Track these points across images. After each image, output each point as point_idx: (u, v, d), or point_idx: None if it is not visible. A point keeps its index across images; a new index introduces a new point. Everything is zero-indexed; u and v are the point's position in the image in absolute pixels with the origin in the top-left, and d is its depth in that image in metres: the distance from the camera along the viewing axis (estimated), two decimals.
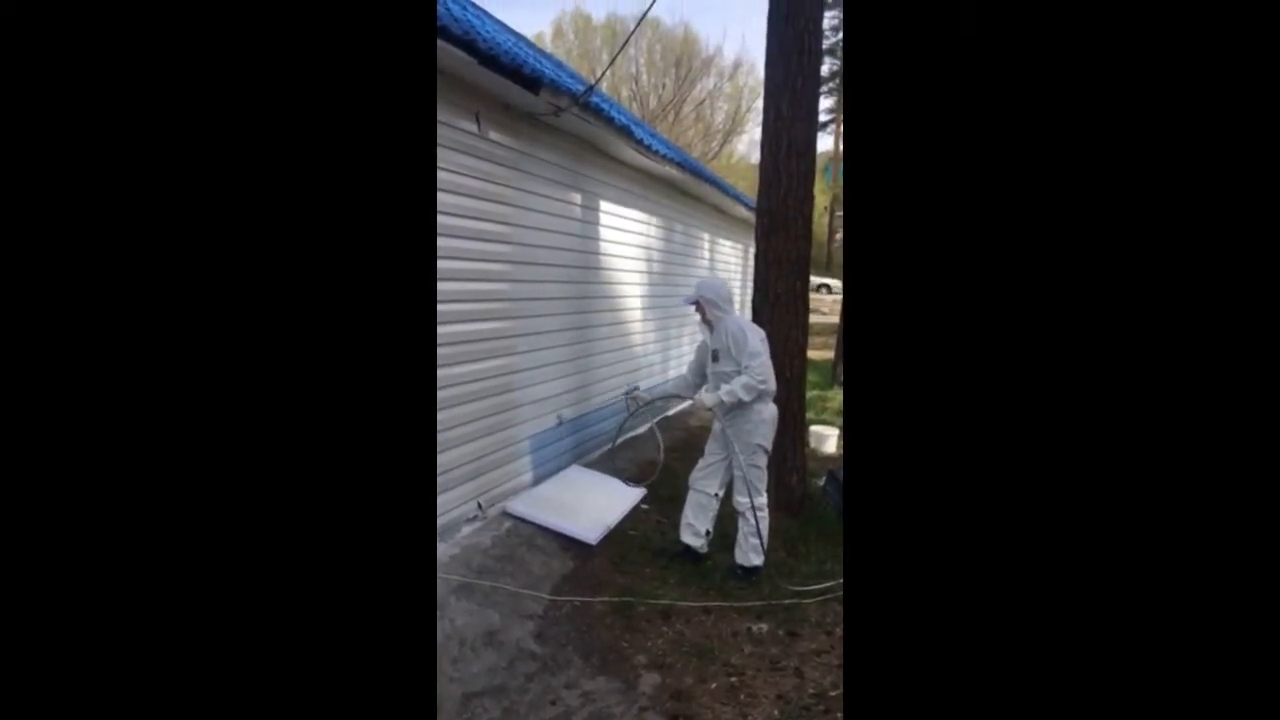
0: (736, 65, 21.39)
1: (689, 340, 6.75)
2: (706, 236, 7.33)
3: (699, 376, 3.26)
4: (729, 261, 8.34)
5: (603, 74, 4.45)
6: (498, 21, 4.93)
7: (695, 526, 3.19)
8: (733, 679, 2.35)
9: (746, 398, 2.89)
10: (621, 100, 18.23)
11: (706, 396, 3.02)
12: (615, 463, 4.16)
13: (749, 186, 8.28)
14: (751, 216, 8.04)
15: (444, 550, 2.99)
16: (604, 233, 4.70)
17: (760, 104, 3.98)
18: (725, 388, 2.93)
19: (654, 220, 5.66)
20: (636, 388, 3.67)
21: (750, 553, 3.04)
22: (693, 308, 3.15)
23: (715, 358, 3.07)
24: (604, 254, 4.71)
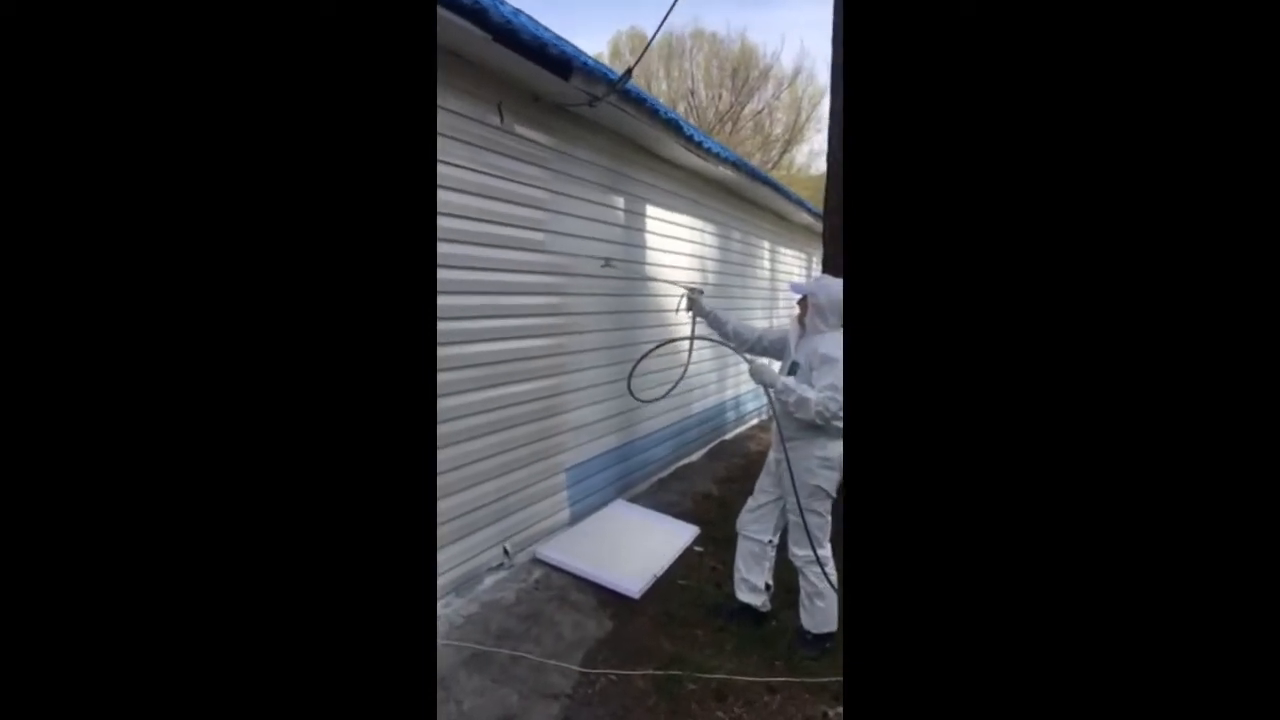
0: (796, 72, 20.54)
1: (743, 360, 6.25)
2: (767, 245, 6.83)
3: (759, 351, 2.83)
4: (792, 271, 7.82)
5: (641, 54, 4.03)
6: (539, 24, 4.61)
7: (751, 581, 2.68)
8: None
9: (796, 413, 2.37)
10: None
11: (763, 368, 2.50)
12: (664, 495, 3.68)
13: (810, 198, 7.77)
14: (815, 224, 7.58)
15: (460, 608, 2.58)
16: (651, 240, 4.27)
17: (822, 110, 3.50)
18: (791, 381, 2.41)
19: (708, 227, 5.21)
20: (701, 290, 3.12)
21: (817, 616, 2.52)
22: (796, 298, 2.65)
23: (793, 370, 2.54)
24: (652, 264, 4.28)
